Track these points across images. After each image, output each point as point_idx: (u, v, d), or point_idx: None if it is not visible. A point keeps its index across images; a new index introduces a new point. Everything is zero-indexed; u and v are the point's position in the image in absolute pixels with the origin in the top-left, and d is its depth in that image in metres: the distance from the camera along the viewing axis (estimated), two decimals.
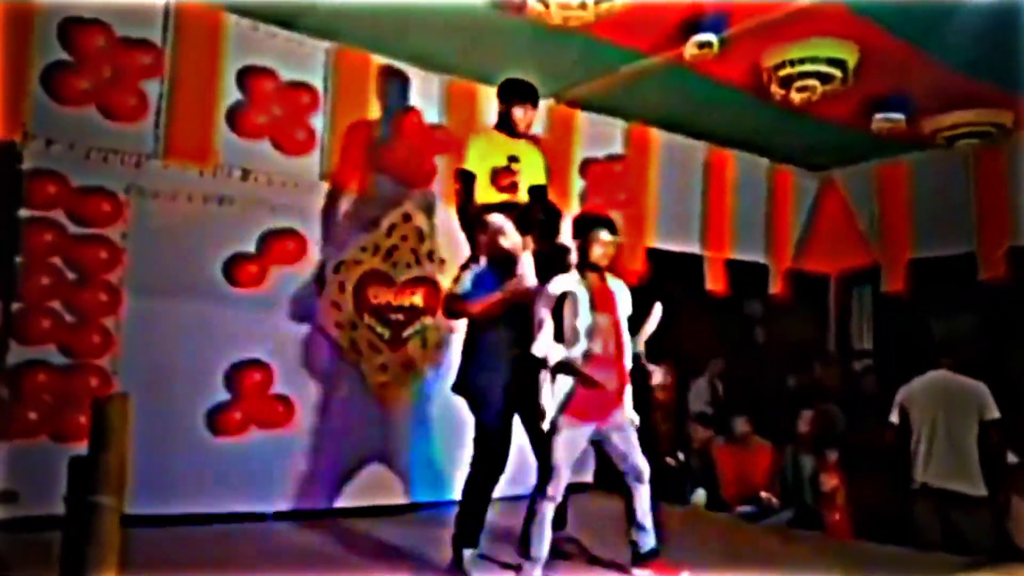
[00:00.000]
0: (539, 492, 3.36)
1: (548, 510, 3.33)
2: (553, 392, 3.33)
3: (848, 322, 7.78)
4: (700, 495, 6.05)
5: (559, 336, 3.33)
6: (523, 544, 3.39)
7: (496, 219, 3.64)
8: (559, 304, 3.35)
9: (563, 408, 3.32)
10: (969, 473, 4.56)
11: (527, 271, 3.62)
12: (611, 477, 3.65)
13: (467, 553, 3.43)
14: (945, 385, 4.73)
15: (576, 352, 3.33)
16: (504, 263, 3.60)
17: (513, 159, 3.97)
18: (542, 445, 3.38)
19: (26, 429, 3.76)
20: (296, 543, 3.95)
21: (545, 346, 3.30)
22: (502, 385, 3.48)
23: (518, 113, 3.98)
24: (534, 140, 4.29)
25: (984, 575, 3.69)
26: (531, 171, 4.06)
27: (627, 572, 3.50)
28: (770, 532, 4.95)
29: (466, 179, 3.91)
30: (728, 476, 5.96)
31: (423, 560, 3.64)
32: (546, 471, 3.36)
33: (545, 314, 3.33)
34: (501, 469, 3.50)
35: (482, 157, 3.95)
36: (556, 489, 3.34)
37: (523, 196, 3.98)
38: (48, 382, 3.84)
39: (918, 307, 6.69)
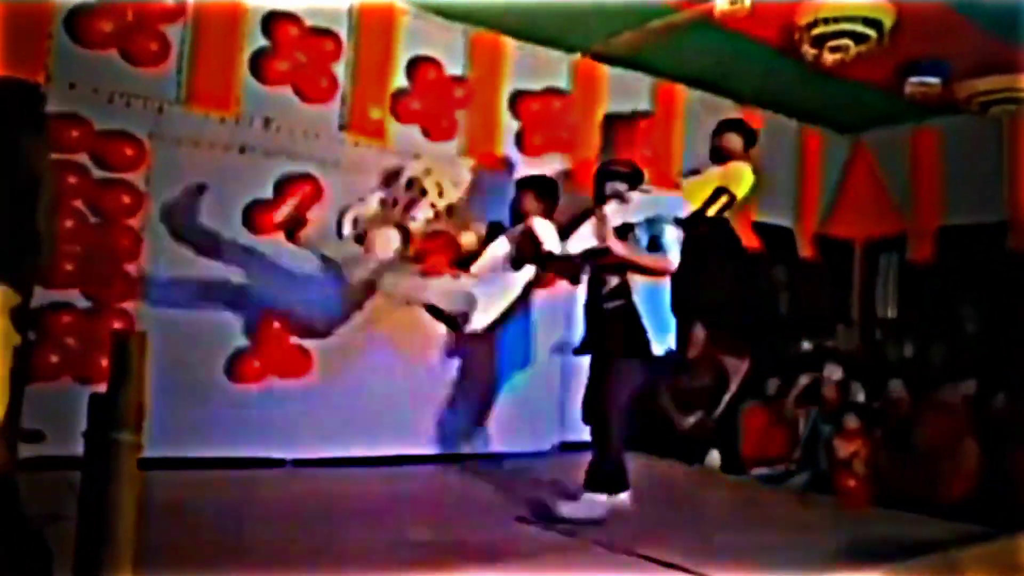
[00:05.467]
0: None
1: None
2: None
3: (872, 290, 7.67)
4: (714, 457, 6.04)
5: None
6: None
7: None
8: None
9: None
10: None
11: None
12: None
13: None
14: None
15: None
16: None
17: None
18: None
19: (50, 371, 3.80)
20: (314, 490, 4.00)
21: None
22: None
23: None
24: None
25: (996, 544, 3.67)
26: None
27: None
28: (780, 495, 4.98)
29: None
30: (752, 436, 5.93)
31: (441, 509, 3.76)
32: None
33: None
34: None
35: None
36: None
37: None
38: (72, 325, 3.88)
39: (945, 276, 6.56)
